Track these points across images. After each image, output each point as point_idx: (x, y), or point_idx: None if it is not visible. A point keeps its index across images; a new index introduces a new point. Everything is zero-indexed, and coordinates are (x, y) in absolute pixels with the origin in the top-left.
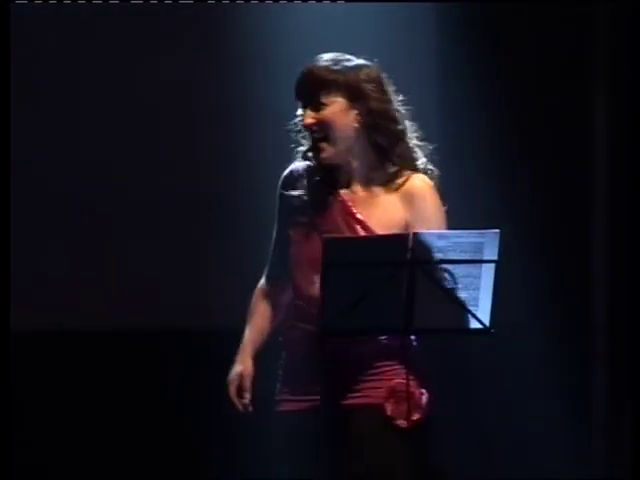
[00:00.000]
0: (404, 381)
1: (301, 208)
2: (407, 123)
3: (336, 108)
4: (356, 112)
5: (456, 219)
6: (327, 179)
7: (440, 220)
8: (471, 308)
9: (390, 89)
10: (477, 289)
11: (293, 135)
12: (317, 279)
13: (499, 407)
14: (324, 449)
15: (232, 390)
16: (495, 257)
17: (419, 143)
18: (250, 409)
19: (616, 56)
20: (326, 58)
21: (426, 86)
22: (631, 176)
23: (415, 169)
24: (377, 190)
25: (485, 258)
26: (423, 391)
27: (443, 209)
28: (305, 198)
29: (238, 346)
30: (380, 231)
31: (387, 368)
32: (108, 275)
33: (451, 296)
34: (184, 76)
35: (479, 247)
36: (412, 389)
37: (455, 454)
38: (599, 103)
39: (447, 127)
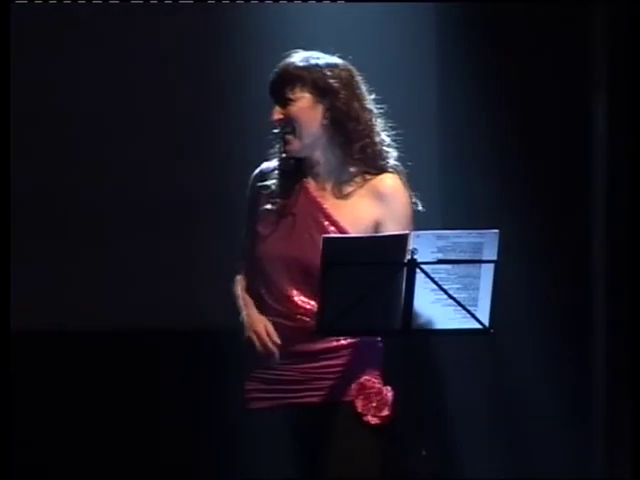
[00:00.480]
0: (372, 378)
1: (270, 204)
2: (378, 122)
3: (302, 104)
4: (323, 108)
5: (456, 219)
6: (296, 174)
7: (410, 219)
8: (470, 308)
9: (361, 88)
10: (476, 289)
11: (272, 137)
12: (286, 275)
13: (499, 407)
14: (295, 447)
15: (262, 332)
16: (494, 257)
17: (388, 143)
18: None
19: (615, 56)
20: (297, 56)
21: (426, 86)
22: (631, 176)
23: (383, 169)
24: (346, 188)
25: (484, 258)
26: (389, 388)
27: (412, 209)
28: (274, 195)
29: (238, 346)
30: (349, 228)
31: (355, 366)
32: (108, 275)
33: (450, 296)
34: (184, 76)
35: (478, 247)
36: (379, 386)
37: (455, 454)
38: (598, 103)
39: (447, 127)
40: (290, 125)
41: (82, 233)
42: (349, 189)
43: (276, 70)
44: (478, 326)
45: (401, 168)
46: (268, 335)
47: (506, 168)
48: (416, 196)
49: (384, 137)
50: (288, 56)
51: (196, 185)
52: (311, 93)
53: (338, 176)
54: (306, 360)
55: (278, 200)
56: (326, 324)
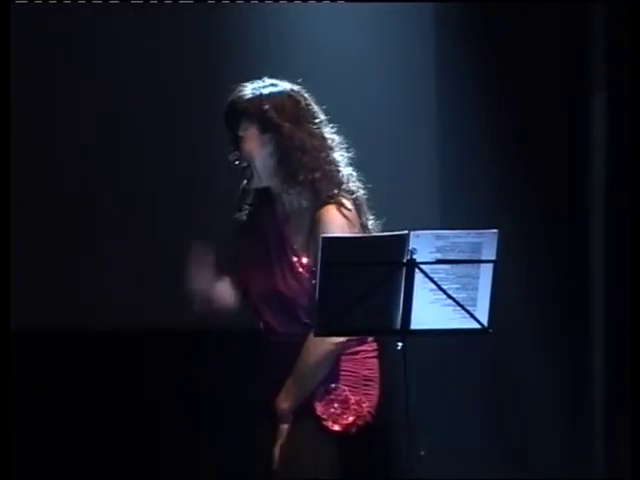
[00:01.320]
0: (342, 386)
1: (246, 229)
2: (333, 145)
3: (252, 139)
4: (270, 140)
5: (455, 219)
6: (266, 202)
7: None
8: (469, 308)
9: (308, 116)
10: (475, 289)
11: None
12: (263, 302)
13: (498, 407)
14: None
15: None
16: (493, 257)
17: (341, 166)
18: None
19: (615, 55)
20: (243, 89)
21: (425, 86)
22: (631, 175)
23: (329, 198)
24: (303, 216)
25: (483, 258)
26: (362, 399)
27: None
28: (250, 222)
29: (238, 346)
30: (302, 252)
31: (329, 375)
32: (108, 275)
33: (449, 296)
34: (184, 76)
35: (477, 247)
36: (346, 393)
37: (454, 454)
38: (598, 103)
39: (446, 127)
40: (245, 160)
41: (82, 233)
42: (302, 215)
43: (225, 106)
44: (477, 326)
45: (356, 191)
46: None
47: (505, 168)
48: (375, 215)
49: (337, 160)
50: (237, 89)
51: (196, 185)
52: (256, 127)
53: (297, 204)
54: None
55: (254, 226)
56: (325, 324)
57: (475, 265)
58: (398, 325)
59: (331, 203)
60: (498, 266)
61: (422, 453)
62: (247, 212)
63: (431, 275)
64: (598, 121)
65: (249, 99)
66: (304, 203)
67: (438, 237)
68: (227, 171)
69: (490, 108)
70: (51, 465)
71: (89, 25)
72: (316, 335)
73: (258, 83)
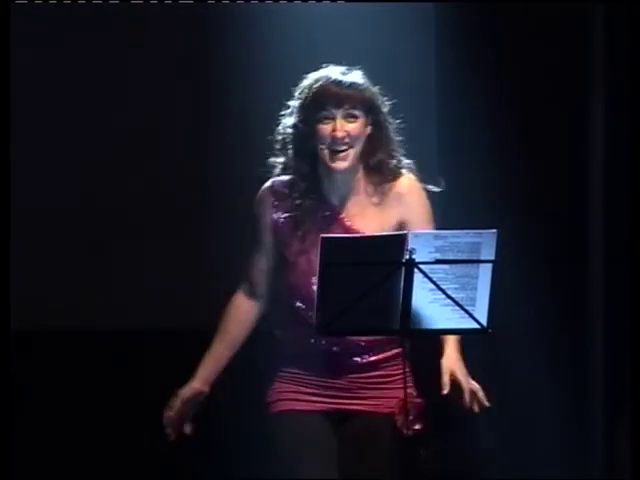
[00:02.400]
0: (412, 391)
1: (294, 228)
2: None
3: (361, 122)
4: (366, 123)
5: (454, 219)
6: (318, 193)
7: (430, 214)
8: (468, 308)
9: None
10: (474, 289)
11: (278, 145)
12: None
13: (498, 407)
14: (323, 450)
15: (177, 407)
16: (492, 257)
17: (399, 144)
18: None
19: (615, 55)
20: (346, 70)
21: (424, 85)
22: (630, 175)
23: (398, 172)
24: (369, 197)
25: (482, 258)
26: (422, 401)
27: (429, 205)
28: (295, 217)
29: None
30: None
31: (397, 377)
32: (108, 275)
33: (448, 296)
34: (184, 76)
35: (476, 247)
36: (417, 399)
37: (453, 455)
38: (598, 102)
39: (445, 127)
40: (348, 143)
41: (82, 233)
42: (372, 197)
43: (337, 82)
44: (476, 326)
45: (412, 166)
46: (182, 413)
47: (504, 168)
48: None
49: (397, 139)
50: (338, 71)
51: (196, 185)
52: (364, 111)
53: (362, 188)
54: (353, 370)
55: (306, 225)
56: (324, 324)
57: (474, 265)
58: (397, 325)
59: (405, 174)
60: (497, 266)
61: (422, 452)
62: (288, 205)
63: (430, 275)
64: (597, 121)
65: (363, 83)
66: (367, 185)
67: (437, 237)
68: (227, 171)
69: (490, 108)
70: (51, 465)
71: (89, 25)
72: (315, 335)
73: (347, 69)
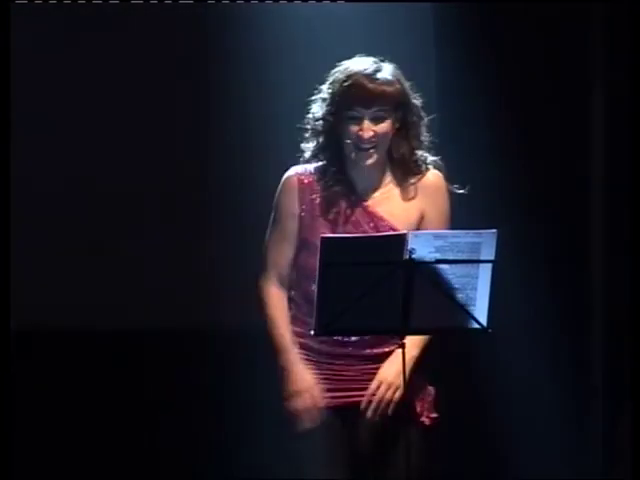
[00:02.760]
0: (425, 379)
1: (322, 212)
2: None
3: (389, 120)
4: (395, 121)
5: (454, 219)
6: (345, 181)
7: (449, 213)
8: (468, 308)
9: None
10: (474, 289)
11: (309, 133)
12: None
13: (497, 407)
14: (343, 445)
15: (307, 400)
16: (492, 257)
17: (428, 138)
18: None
19: (614, 54)
20: (374, 63)
21: (424, 85)
22: (630, 175)
23: (425, 166)
24: (394, 188)
25: (482, 258)
26: (434, 389)
27: (449, 205)
28: (324, 202)
29: (237, 346)
30: (402, 228)
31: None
32: (108, 275)
33: (448, 296)
34: (184, 76)
35: (476, 247)
36: (430, 387)
37: (453, 455)
38: (597, 102)
39: (445, 126)
40: (375, 142)
41: (82, 233)
42: (398, 188)
43: (368, 85)
44: (476, 326)
45: (439, 163)
46: (313, 403)
47: (504, 168)
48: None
49: (425, 133)
50: (368, 65)
51: (196, 185)
52: (393, 108)
53: (385, 180)
54: (367, 362)
55: (333, 210)
56: (324, 323)
57: (474, 265)
58: (397, 325)
59: (432, 169)
60: (497, 266)
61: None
62: (316, 192)
63: (430, 275)
64: (597, 121)
65: (393, 81)
66: (393, 177)
67: (437, 237)
68: (227, 171)
69: (490, 108)
70: (51, 465)
71: (89, 25)
72: (315, 335)
73: (377, 62)
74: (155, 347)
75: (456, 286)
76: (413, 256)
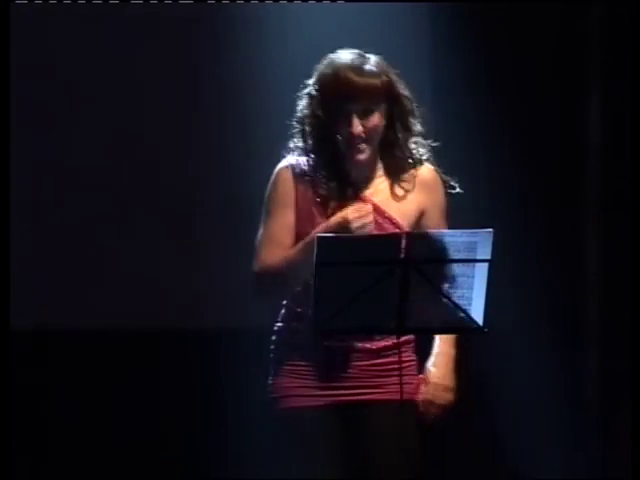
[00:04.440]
0: (423, 377)
1: (318, 208)
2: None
3: (378, 114)
4: (384, 113)
5: (451, 218)
6: (340, 176)
7: (445, 206)
8: (464, 307)
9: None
10: (470, 288)
11: (297, 127)
12: None
13: (497, 407)
14: (340, 445)
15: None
16: (488, 256)
17: (421, 133)
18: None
19: (612, 54)
20: (360, 57)
21: (422, 85)
22: (628, 175)
23: (420, 161)
24: (390, 182)
25: (478, 257)
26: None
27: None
28: (317, 200)
29: (236, 346)
30: (400, 219)
31: (411, 363)
32: (108, 275)
33: (444, 295)
34: (183, 76)
35: (472, 246)
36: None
37: (453, 455)
38: (595, 102)
39: (441, 126)
40: (365, 138)
41: (82, 233)
42: (394, 183)
43: (354, 79)
44: (472, 325)
45: (431, 158)
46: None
47: (501, 167)
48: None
49: (419, 128)
50: (353, 58)
51: (196, 185)
52: (383, 100)
53: (380, 174)
54: (366, 357)
55: (329, 205)
56: (321, 323)
57: (470, 264)
58: (394, 324)
59: (427, 163)
60: (493, 265)
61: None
62: (308, 184)
63: (426, 274)
64: (596, 120)
65: (378, 73)
66: (392, 169)
67: (433, 236)
68: (227, 171)
69: (487, 108)
70: (51, 465)
71: (89, 25)
72: (313, 334)
73: (361, 56)
74: (155, 347)
75: (452, 285)
76: (409, 255)
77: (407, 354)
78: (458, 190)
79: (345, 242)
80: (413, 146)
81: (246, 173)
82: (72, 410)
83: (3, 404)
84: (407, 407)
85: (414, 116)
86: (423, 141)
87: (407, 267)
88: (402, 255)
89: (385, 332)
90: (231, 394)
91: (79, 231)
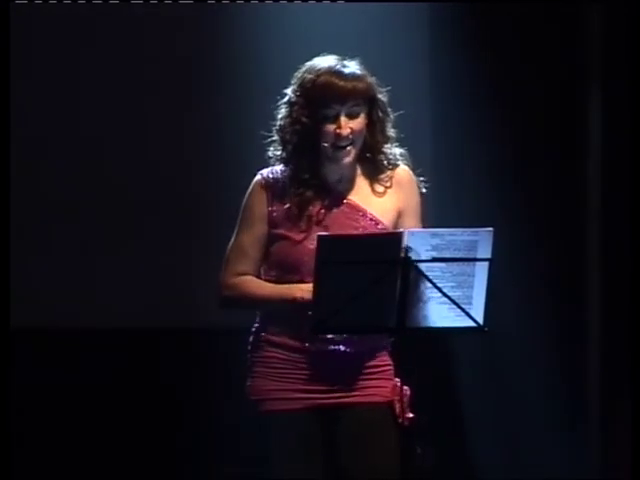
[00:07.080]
0: (399, 379)
1: (296, 216)
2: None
3: (363, 115)
4: (366, 117)
5: (451, 218)
6: (320, 184)
7: (420, 206)
8: (465, 306)
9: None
10: (471, 287)
11: (278, 137)
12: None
13: (497, 407)
14: (320, 448)
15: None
16: (489, 255)
17: (394, 136)
18: None
19: (611, 53)
20: (344, 61)
21: (421, 85)
22: (628, 174)
23: (395, 162)
24: (370, 185)
25: (479, 256)
26: (409, 389)
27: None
28: (297, 206)
29: (236, 346)
30: (382, 218)
31: (387, 366)
32: (108, 275)
33: (445, 294)
34: (184, 76)
35: (473, 245)
36: (406, 387)
37: (453, 455)
38: (594, 101)
39: (440, 126)
40: (351, 139)
41: (82, 233)
42: (372, 185)
43: (340, 81)
44: (472, 324)
45: (405, 155)
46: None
47: (501, 167)
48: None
49: (392, 131)
50: (336, 63)
51: (196, 186)
52: (365, 104)
53: (360, 178)
54: (344, 361)
55: (306, 212)
56: (321, 322)
57: (470, 263)
58: (394, 323)
59: (402, 164)
60: (493, 264)
61: (419, 451)
62: (289, 193)
63: (426, 273)
64: (595, 119)
65: (363, 76)
66: (370, 172)
67: (433, 235)
68: (227, 171)
69: (486, 107)
70: (51, 465)
71: (89, 25)
72: (312, 333)
73: (335, 57)
74: (155, 347)
75: (452, 284)
76: (409, 254)
77: (383, 358)
78: (424, 185)
79: (346, 241)
80: (388, 148)
81: (246, 173)
82: (72, 410)
83: (3, 404)
84: (384, 409)
85: (390, 120)
86: (396, 145)
87: (407, 266)
88: (402, 254)
89: (385, 331)
90: (231, 394)
91: (79, 231)
